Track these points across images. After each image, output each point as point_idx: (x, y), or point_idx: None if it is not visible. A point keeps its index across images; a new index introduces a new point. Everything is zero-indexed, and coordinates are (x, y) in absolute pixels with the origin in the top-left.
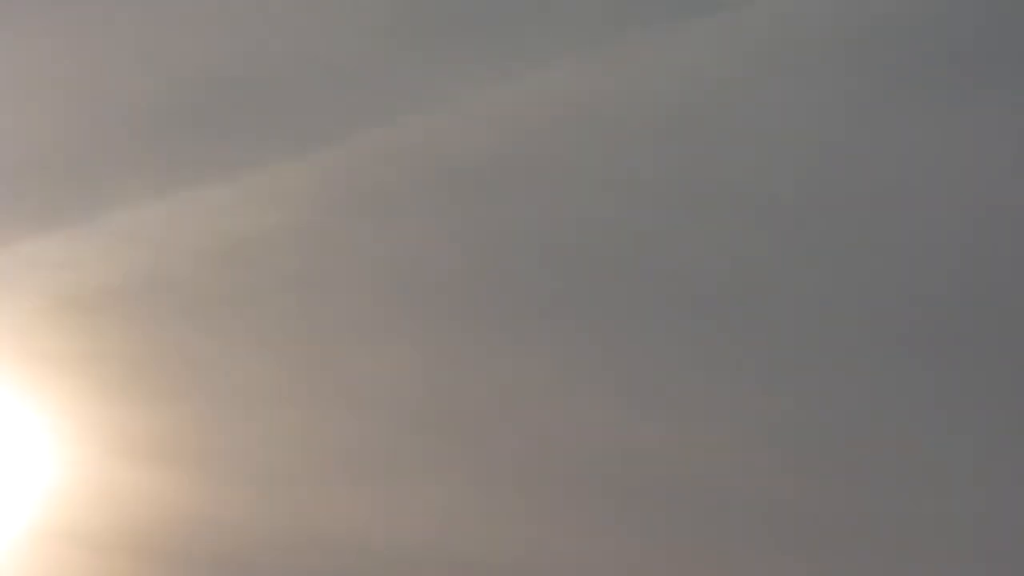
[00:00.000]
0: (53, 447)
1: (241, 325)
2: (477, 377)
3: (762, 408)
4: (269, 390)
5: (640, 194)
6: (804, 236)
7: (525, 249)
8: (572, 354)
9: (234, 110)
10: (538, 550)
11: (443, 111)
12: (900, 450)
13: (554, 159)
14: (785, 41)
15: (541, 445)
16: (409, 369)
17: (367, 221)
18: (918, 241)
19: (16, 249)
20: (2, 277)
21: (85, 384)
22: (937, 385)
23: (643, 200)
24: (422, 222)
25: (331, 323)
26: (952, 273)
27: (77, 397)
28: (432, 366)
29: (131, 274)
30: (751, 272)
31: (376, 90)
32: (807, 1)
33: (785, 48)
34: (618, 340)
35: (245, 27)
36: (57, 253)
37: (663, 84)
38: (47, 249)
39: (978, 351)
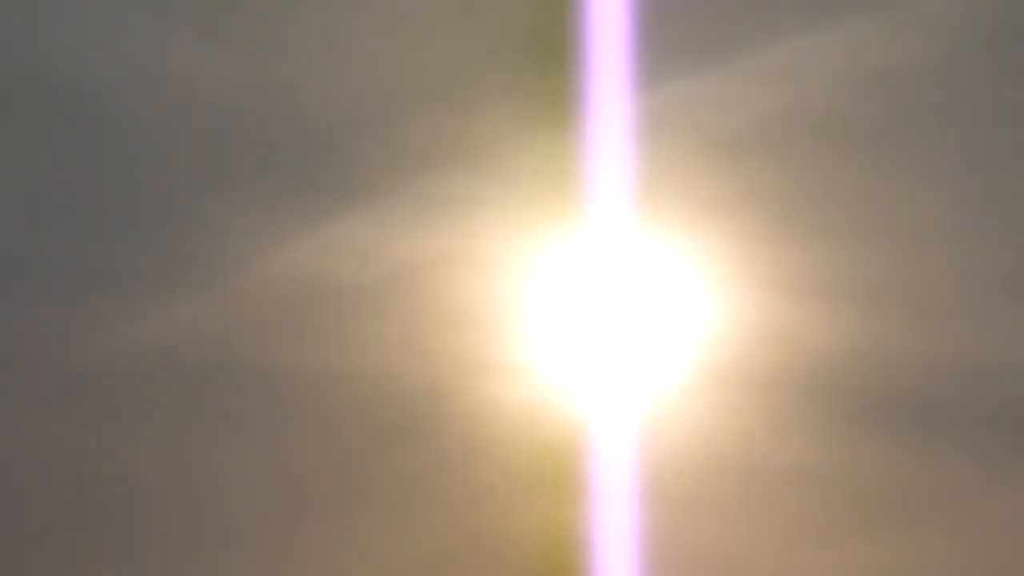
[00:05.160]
0: (713, 288)
1: (900, 158)
2: None
3: None
4: (929, 222)
5: None
6: None
7: None
8: None
9: None
10: None
11: None
12: None
13: None
14: None
15: None
16: None
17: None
18: None
19: (669, 90)
20: (655, 119)
21: (743, 225)
22: None
23: None
24: None
25: (987, 155)
26: None
27: (735, 238)
28: None
29: (781, 111)
30: None
31: None
32: None
33: None
34: None
35: None
36: (708, 92)
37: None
38: (698, 89)
39: None
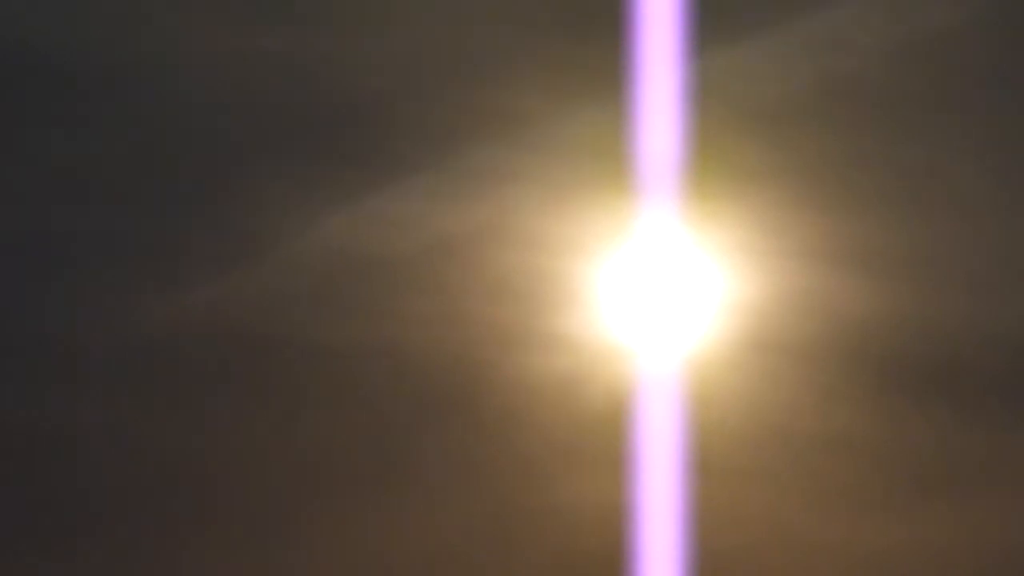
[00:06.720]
0: (755, 259)
1: (938, 127)
2: None
3: None
4: (967, 192)
5: None
6: None
7: None
8: None
9: None
10: None
11: None
12: None
13: None
14: None
15: None
16: None
17: None
18: None
19: (705, 62)
20: (694, 90)
21: (783, 195)
22: None
23: None
24: None
25: None
26: None
27: (775, 208)
28: None
29: (822, 80)
30: None
31: None
32: None
33: None
34: None
35: None
36: (744, 64)
37: None
38: (734, 60)
39: None
